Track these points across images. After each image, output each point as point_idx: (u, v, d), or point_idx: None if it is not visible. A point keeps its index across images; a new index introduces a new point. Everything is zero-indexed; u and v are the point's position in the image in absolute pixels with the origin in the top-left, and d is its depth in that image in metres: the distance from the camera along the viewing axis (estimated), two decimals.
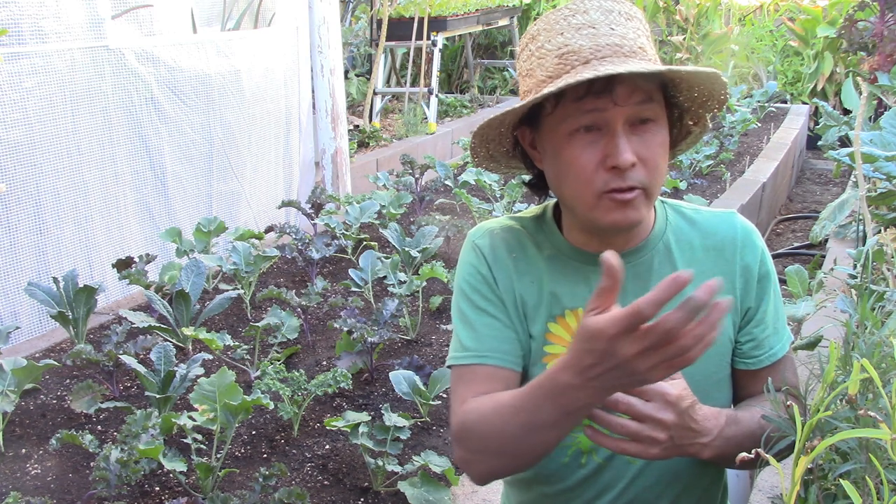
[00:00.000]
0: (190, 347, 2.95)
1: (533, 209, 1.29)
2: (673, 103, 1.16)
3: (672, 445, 1.05)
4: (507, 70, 9.15)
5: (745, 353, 1.21)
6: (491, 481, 1.18)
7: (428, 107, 7.00)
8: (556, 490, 1.26)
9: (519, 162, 1.25)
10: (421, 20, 6.91)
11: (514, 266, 1.22)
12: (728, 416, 1.11)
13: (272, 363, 2.46)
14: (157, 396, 2.33)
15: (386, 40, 6.81)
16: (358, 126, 6.62)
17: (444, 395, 2.64)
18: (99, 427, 2.49)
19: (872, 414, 0.87)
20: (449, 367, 1.23)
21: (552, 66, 1.09)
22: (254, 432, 2.46)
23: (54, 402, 2.63)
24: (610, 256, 0.90)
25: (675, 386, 1.05)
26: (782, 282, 3.18)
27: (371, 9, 7.45)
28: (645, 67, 1.03)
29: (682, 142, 1.24)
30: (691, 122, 1.21)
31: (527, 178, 1.28)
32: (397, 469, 2.16)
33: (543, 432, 1.02)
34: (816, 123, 5.91)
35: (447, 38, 8.05)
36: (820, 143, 4.99)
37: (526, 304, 1.21)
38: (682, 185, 4.98)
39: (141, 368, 2.37)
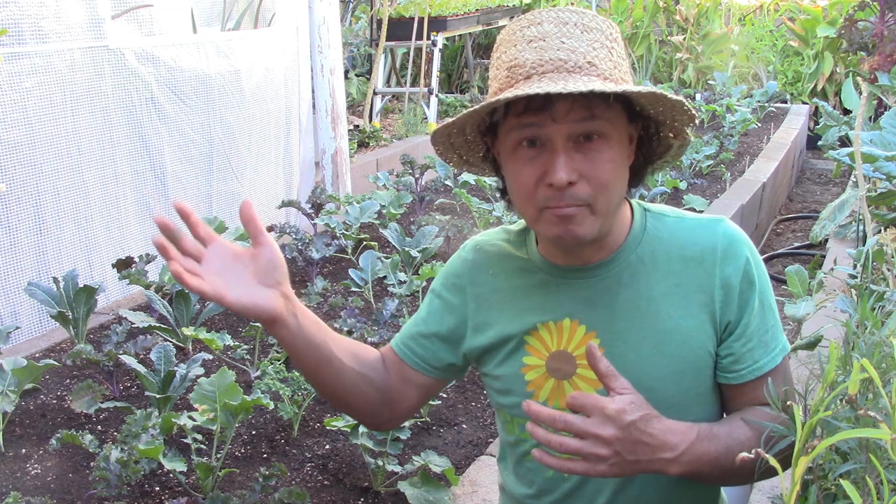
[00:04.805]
0: (190, 347, 2.95)
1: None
2: (647, 116, 1.14)
3: (623, 461, 1.02)
4: None
5: (725, 367, 1.16)
6: None
7: (428, 107, 7.00)
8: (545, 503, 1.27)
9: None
10: (421, 20, 6.91)
11: (490, 284, 1.26)
12: (702, 432, 1.07)
13: (272, 363, 2.46)
14: (157, 396, 2.33)
15: (386, 40, 6.81)
16: (358, 126, 6.62)
17: (445, 395, 2.64)
18: (99, 427, 2.49)
19: (872, 414, 0.87)
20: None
21: (502, 78, 1.10)
22: (254, 432, 2.46)
23: (54, 402, 2.63)
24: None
25: (619, 399, 1.02)
26: (782, 282, 3.17)
27: (371, 9, 7.46)
28: (573, 87, 1.00)
29: (667, 154, 1.22)
30: (671, 135, 1.18)
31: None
32: (397, 469, 2.16)
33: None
34: (816, 123, 5.92)
35: (447, 38, 8.05)
36: (820, 143, 4.99)
37: (486, 323, 1.25)
38: (682, 185, 4.98)
39: (141, 368, 2.37)
